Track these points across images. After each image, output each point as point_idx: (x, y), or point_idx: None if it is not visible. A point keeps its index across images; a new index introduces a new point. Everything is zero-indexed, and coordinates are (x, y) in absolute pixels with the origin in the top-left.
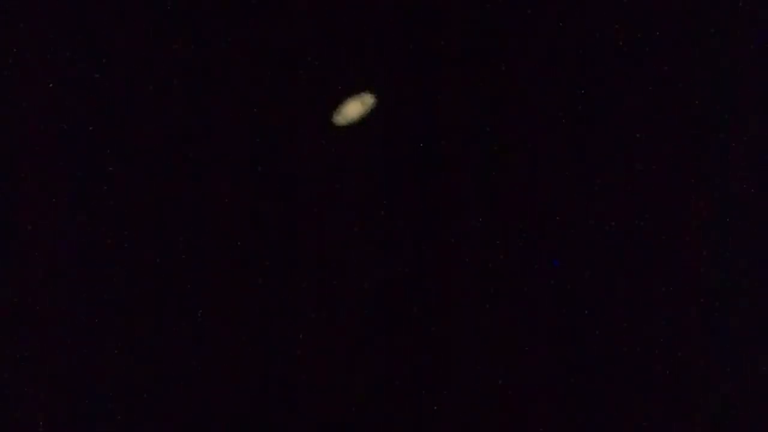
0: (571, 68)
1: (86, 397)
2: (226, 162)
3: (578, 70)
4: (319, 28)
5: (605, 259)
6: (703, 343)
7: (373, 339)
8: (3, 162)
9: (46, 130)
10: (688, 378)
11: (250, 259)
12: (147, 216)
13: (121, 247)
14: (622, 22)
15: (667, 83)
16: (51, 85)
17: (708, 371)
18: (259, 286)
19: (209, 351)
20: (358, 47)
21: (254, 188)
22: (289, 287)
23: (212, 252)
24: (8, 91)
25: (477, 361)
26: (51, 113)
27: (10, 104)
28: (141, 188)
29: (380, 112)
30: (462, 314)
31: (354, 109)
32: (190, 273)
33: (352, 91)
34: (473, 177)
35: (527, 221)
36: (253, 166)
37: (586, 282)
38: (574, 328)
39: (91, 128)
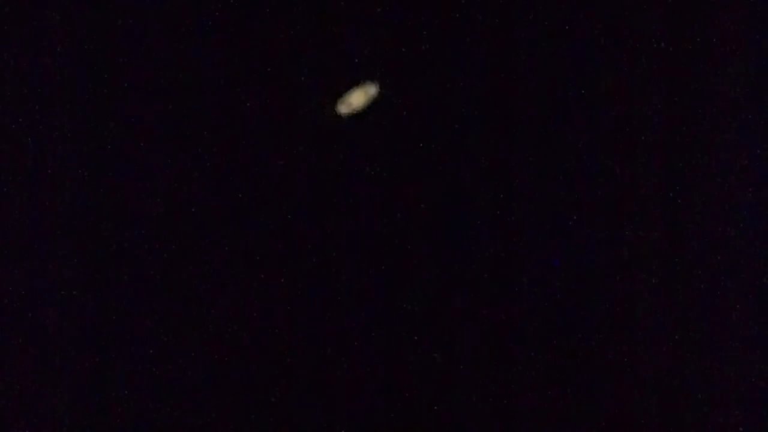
0: (574, 67)
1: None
2: (227, 153)
3: (581, 69)
4: (323, 18)
5: (605, 259)
6: (702, 343)
7: (372, 338)
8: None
9: (44, 128)
10: (688, 378)
11: (250, 252)
12: (147, 211)
13: (122, 245)
14: (623, 23)
15: (666, 83)
16: (49, 84)
17: (707, 371)
18: (258, 280)
19: (208, 351)
20: (362, 37)
21: (256, 180)
22: (290, 281)
23: (211, 246)
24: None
25: (476, 361)
26: (49, 112)
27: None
28: (143, 183)
29: (384, 102)
30: (461, 313)
31: (358, 99)
32: (188, 268)
33: (355, 81)
34: (475, 173)
35: (528, 220)
36: (255, 157)
37: (586, 282)
38: (574, 328)
39: (91, 127)
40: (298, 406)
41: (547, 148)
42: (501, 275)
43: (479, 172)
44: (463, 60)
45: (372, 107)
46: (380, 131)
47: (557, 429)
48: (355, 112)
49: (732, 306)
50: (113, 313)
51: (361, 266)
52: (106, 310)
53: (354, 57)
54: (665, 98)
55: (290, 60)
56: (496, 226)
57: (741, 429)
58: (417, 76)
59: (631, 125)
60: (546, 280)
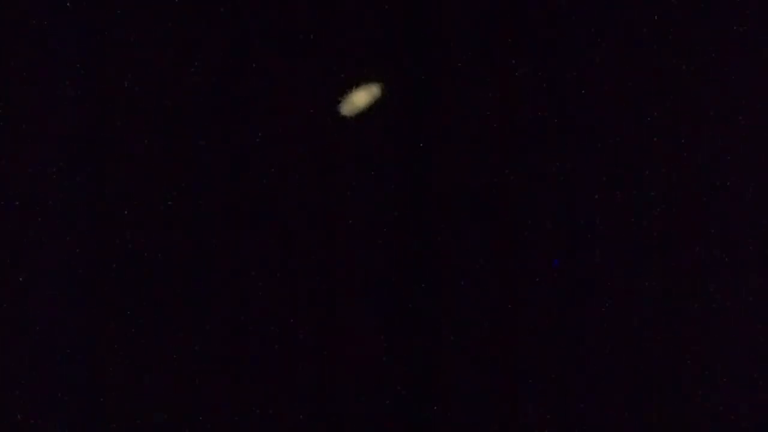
0: (573, 68)
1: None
2: (229, 154)
3: (580, 70)
4: (326, 18)
5: (605, 259)
6: (702, 344)
7: (373, 338)
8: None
9: (45, 129)
10: (688, 378)
11: (252, 253)
12: (150, 212)
13: (124, 245)
14: (623, 24)
15: (666, 83)
16: (50, 85)
17: (707, 371)
18: (259, 281)
19: (207, 351)
20: (366, 37)
21: (259, 180)
22: (290, 282)
23: (212, 247)
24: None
25: (476, 361)
26: (50, 113)
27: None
28: (143, 184)
29: (387, 102)
30: (460, 312)
31: (361, 98)
32: (189, 269)
33: (359, 81)
34: (476, 173)
35: (528, 220)
36: (258, 157)
37: (586, 282)
38: (574, 328)
39: (92, 126)
40: (298, 407)
41: (548, 149)
42: (500, 275)
43: (480, 171)
44: (466, 60)
45: (375, 107)
46: (383, 131)
47: (557, 429)
48: (358, 112)
49: (732, 307)
50: (112, 312)
51: (360, 267)
52: (105, 310)
53: (357, 57)
54: (665, 98)
55: (294, 60)
56: (497, 226)
57: (741, 429)
58: (420, 77)
59: (632, 126)
60: (546, 280)
